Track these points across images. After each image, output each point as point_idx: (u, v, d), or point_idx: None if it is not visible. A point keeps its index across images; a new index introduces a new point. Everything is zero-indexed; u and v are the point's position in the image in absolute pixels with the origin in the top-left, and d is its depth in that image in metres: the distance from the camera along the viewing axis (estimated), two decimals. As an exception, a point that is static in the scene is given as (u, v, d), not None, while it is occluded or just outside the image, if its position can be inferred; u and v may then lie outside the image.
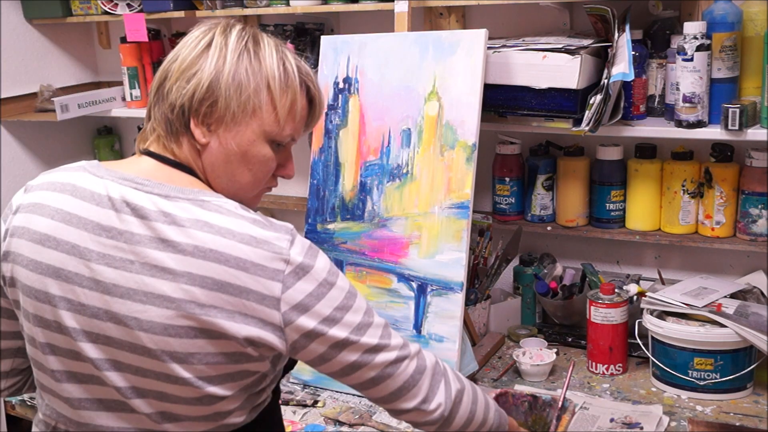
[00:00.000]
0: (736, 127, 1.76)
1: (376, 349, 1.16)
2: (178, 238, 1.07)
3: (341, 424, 1.76)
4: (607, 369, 1.92)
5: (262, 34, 1.19)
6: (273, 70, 1.15)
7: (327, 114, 1.99)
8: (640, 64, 1.89)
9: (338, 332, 1.12)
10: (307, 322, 1.10)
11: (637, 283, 2.03)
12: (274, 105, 1.16)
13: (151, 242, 1.08)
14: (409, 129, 1.88)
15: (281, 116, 1.17)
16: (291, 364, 1.34)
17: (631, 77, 1.78)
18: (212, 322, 1.07)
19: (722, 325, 1.75)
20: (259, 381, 1.19)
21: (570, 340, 2.08)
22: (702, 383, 1.78)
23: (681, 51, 1.79)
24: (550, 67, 1.84)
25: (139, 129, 1.24)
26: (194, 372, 1.10)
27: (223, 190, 1.18)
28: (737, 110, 1.75)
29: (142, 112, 2.52)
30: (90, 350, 1.12)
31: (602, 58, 1.89)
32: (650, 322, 1.84)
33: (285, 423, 1.75)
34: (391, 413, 1.24)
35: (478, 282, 2.10)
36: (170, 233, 1.08)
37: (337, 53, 1.98)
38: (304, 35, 2.38)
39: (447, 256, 1.81)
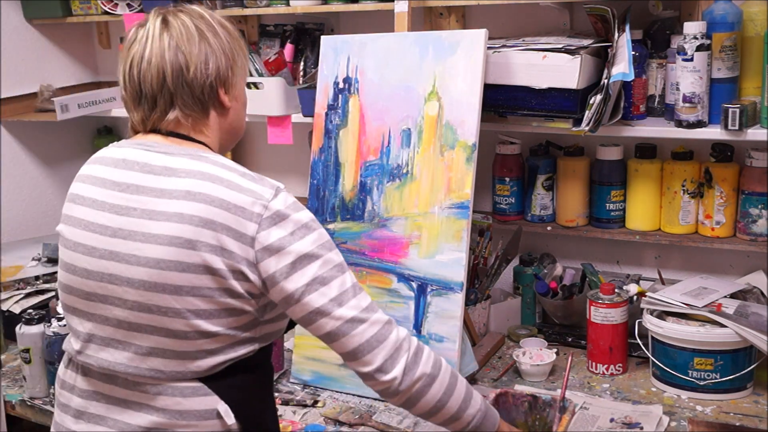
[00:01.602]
0: (736, 127, 1.76)
1: (336, 301, 1.26)
2: (174, 186, 1.26)
3: (341, 424, 1.76)
4: (607, 369, 1.92)
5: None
6: (234, 32, 1.41)
7: (327, 114, 1.99)
8: (640, 64, 1.89)
9: (301, 278, 1.25)
10: (276, 262, 1.24)
11: (637, 283, 2.03)
12: (246, 57, 1.44)
13: (152, 192, 1.28)
14: (409, 129, 1.88)
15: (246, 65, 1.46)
16: (289, 326, 1.45)
17: (631, 77, 1.78)
18: (198, 256, 1.22)
19: (722, 325, 1.75)
20: (248, 326, 1.31)
21: (570, 340, 2.08)
22: (702, 383, 1.78)
23: (681, 51, 1.79)
24: (550, 67, 1.84)
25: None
26: (185, 304, 1.24)
27: (228, 144, 1.43)
28: (737, 110, 1.75)
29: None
30: (96, 288, 1.30)
31: (602, 58, 1.89)
32: (650, 322, 1.84)
33: (285, 423, 1.76)
34: (356, 372, 1.32)
35: (478, 282, 2.10)
36: (168, 184, 1.27)
37: (337, 53, 1.98)
38: (304, 35, 2.38)
39: (447, 256, 1.81)
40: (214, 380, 1.30)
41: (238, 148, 2.66)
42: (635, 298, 1.96)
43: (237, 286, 1.25)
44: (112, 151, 1.38)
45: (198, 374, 1.29)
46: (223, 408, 1.30)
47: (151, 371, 1.29)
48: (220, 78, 1.35)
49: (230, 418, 1.30)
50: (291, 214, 1.26)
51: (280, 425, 1.73)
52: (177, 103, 1.33)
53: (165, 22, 1.33)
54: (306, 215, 1.28)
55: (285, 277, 1.25)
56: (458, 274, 1.79)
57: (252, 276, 1.25)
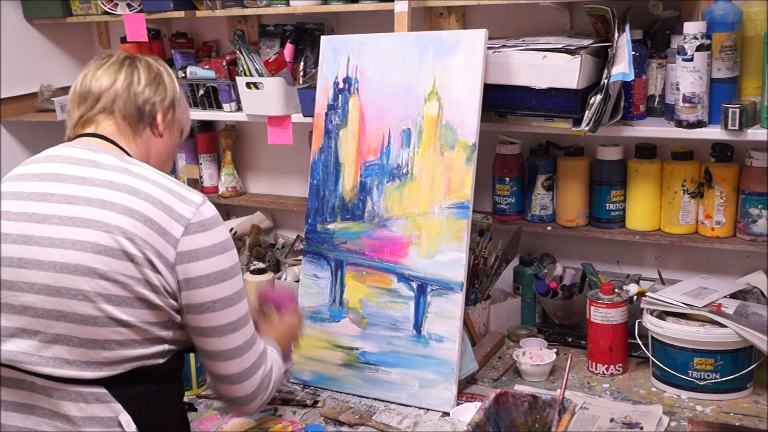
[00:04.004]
0: (736, 127, 1.76)
1: (232, 326, 1.33)
2: (98, 176, 1.30)
3: (341, 424, 1.75)
4: (607, 369, 1.92)
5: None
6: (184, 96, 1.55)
7: (327, 114, 1.99)
8: (640, 64, 1.89)
9: (213, 293, 1.30)
10: (194, 269, 1.28)
11: (637, 283, 2.03)
12: (187, 121, 1.54)
13: (72, 179, 1.30)
14: (409, 129, 1.88)
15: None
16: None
17: (631, 77, 1.78)
18: (114, 240, 1.24)
19: (722, 325, 1.75)
20: (162, 325, 1.31)
21: (570, 340, 2.08)
22: (702, 383, 1.78)
23: (681, 51, 1.79)
24: (550, 67, 1.84)
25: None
26: (95, 287, 1.25)
27: None
28: (737, 110, 1.75)
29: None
30: (4, 274, 1.29)
31: (602, 58, 1.89)
32: (650, 322, 1.84)
33: (285, 423, 1.76)
34: (215, 390, 1.42)
35: (478, 282, 2.10)
36: (92, 173, 1.31)
37: (337, 53, 1.98)
38: (304, 35, 2.38)
39: (447, 256, 1.81)
40: (118, 387, 1.29)
41: (238, 148, 2.66)
42: (635, 298, 1.96)
43: (152, 277, 1.26)
44: (47, 152, 1.42)
45: (102, 368, 1.27)
46: (125, 418, 1.29)
47: (55, 360, 1.27)
48: (162, 105, 1.43)
49: (131, 427, 1.29)
50: (217, 225, 1.31)
51: (280, 425, 1.74)
52: (117, 105, 1.40)
53: (129, 57, 1.45)
54: (227, 232, 1.34)
55: (198, 286, 1.29)
56: (458, 274, 1.79)
57: (167, 274, 1.27)
